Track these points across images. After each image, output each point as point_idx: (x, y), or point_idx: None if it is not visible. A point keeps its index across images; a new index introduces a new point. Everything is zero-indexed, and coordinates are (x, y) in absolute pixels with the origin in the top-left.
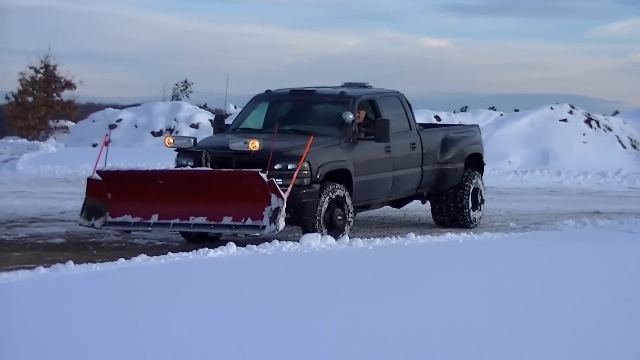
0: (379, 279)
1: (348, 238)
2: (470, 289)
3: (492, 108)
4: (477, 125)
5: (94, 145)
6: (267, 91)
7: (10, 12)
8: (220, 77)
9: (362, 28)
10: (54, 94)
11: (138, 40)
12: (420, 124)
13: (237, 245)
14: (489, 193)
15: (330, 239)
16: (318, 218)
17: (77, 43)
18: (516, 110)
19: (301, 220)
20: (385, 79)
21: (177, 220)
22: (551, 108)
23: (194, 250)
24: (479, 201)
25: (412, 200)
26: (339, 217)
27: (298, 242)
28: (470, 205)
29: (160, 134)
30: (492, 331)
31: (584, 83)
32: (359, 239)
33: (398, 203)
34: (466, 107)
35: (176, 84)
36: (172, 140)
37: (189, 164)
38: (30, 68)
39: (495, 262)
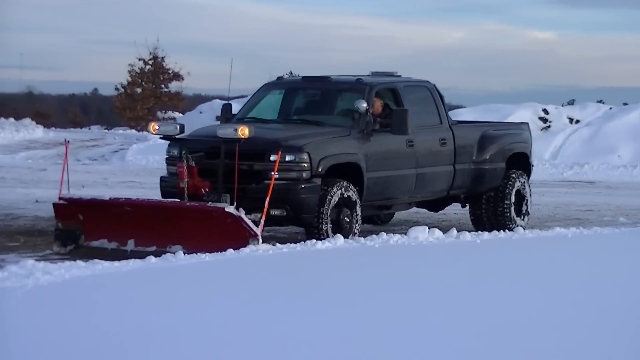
0: (485, 272)
1: (455, 231)
2: (578, 284)
3: (600, 101)
4: (527, 123)
5: None
6: (278, 78)
7: (120, 5)
8: (323, 68)
9: (467, 20)
10: (162, 85)
11: (243, 31)
12: (461, 121)
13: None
14: (597, 187)
15: (437, 232)
16: (323, 217)
17: (185, 35)
18: (625, 104)
19: (300, 218)
20: (490, 72)
21: (154, 248)
22: None
23: (302, 242)
24: (524, 206)
25: (450, 203)
26: (346, 218)
27: (405, 234)
28: (512, 209)
29: None
30: (600, 327)
31: None
32: (467, 232)
33: (433, 206)
34: (573, 100)
35: (284, 76)
36: (157, 127)
37: (176, 153)
38: (139, 60)
39: (604, 257)
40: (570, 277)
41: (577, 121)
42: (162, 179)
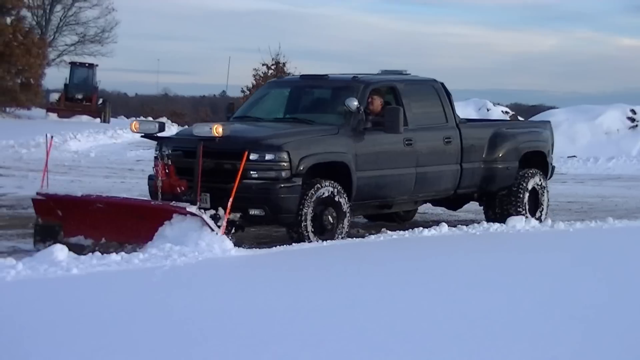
0: (576, 258)
1: (550, 221)
2: None
3: None
4: (549, 122)
5: None
6: (279, 77)
7: (246, 16)
8: (427, 73)
9: (560, 28)
10: None
11: (355, 39)
12: (473, 119)
13: (448, 226)
14: None
15: (533, 221)
16: (303, 218)
17: (302, 42)
18: None
19: (279, 219)
20: (581, 76)
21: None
22: None
23: (410, 230)
24: (541, 205)
25: (467, 202)
26: (329, 219)
27: (504, 223)
28: (526, 208)
29: None
30: None
31: None
32: (561, 222)
33: (451, 204)
34: None
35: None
36: (138, 126)
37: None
38: (263, 65)
39: None
40: None
41: None
42: (149, 177)
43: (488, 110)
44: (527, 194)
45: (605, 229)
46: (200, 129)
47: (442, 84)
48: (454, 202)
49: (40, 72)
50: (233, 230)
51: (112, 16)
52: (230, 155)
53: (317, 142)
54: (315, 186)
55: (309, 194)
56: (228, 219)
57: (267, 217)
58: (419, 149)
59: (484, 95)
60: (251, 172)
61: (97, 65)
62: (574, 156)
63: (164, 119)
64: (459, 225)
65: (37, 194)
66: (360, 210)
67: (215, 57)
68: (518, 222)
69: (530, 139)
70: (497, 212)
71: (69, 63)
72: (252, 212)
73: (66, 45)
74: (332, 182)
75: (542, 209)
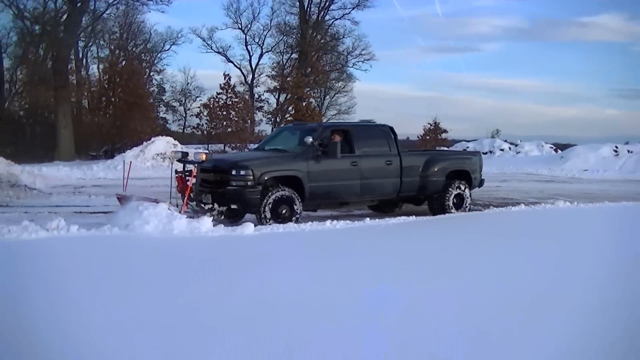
0: (589, 219)
1: (576, 202)
2: None
3: None
4: (479, 152)
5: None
6: (293, 123)
7: (418, 99)
8: (516, 128)
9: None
10: (438, 135)
11: (476, 110)
12: (415, 151)
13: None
14: None
15: (567, 203)
16: (263, 210)
17: (449, 111)
18: None
19: (248, 210)
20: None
21: None
22: None
23: (506, 207)
24: (464, 204)
25: (423, 201)
26: (284, 211)
27: (552, 204)
28: (451, 204)
29: (484, 154)
30: None
31: None
32: (581, 203)
33: (415, 201)
34: None
35: (492, 130)
36: (173, 154)
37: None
38: (428, 124)
39: None
40: None
41: None
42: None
43: (549, 146)
44: (452, 197)
45: (601, 206)
46: (197, 156)
47: (391, 127)
48: (416, 201)
49: None
50: (222, 217)
51: (353, 100)
52: (221, 171)
53: (275, 163)
54: (273, 190)
55: (268, 196)
56: (218, 210)
57: (239, 210)
58: (363, 168)
59: (545, 139)
60: (232, 182)
61: None
62: (587, 170)
63: None
64: (530, 205)
65: (116, 194)
66: (322, 206)
67: (400, 122)
68: (560, 203)
69: (455, 162)
70: (435, 207)
71: None
72: (232, 206)
73: (331, 115)
74: (288, 188)
75: (466, 205)
